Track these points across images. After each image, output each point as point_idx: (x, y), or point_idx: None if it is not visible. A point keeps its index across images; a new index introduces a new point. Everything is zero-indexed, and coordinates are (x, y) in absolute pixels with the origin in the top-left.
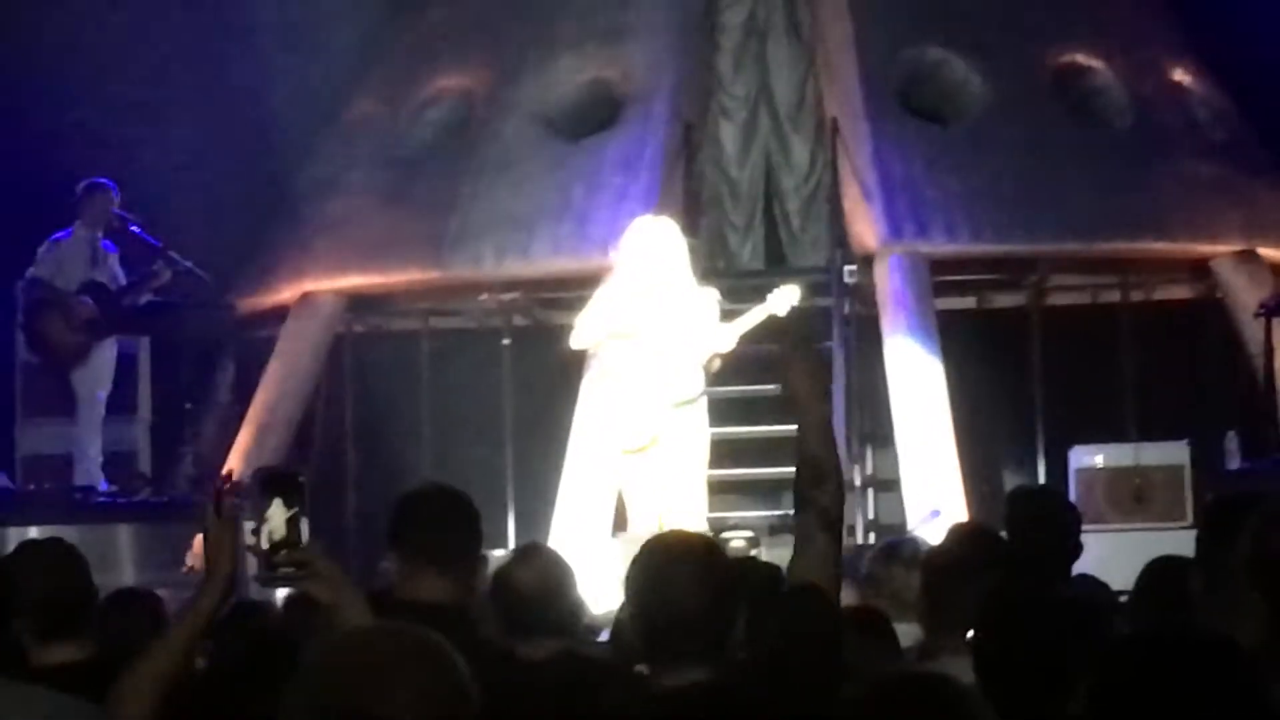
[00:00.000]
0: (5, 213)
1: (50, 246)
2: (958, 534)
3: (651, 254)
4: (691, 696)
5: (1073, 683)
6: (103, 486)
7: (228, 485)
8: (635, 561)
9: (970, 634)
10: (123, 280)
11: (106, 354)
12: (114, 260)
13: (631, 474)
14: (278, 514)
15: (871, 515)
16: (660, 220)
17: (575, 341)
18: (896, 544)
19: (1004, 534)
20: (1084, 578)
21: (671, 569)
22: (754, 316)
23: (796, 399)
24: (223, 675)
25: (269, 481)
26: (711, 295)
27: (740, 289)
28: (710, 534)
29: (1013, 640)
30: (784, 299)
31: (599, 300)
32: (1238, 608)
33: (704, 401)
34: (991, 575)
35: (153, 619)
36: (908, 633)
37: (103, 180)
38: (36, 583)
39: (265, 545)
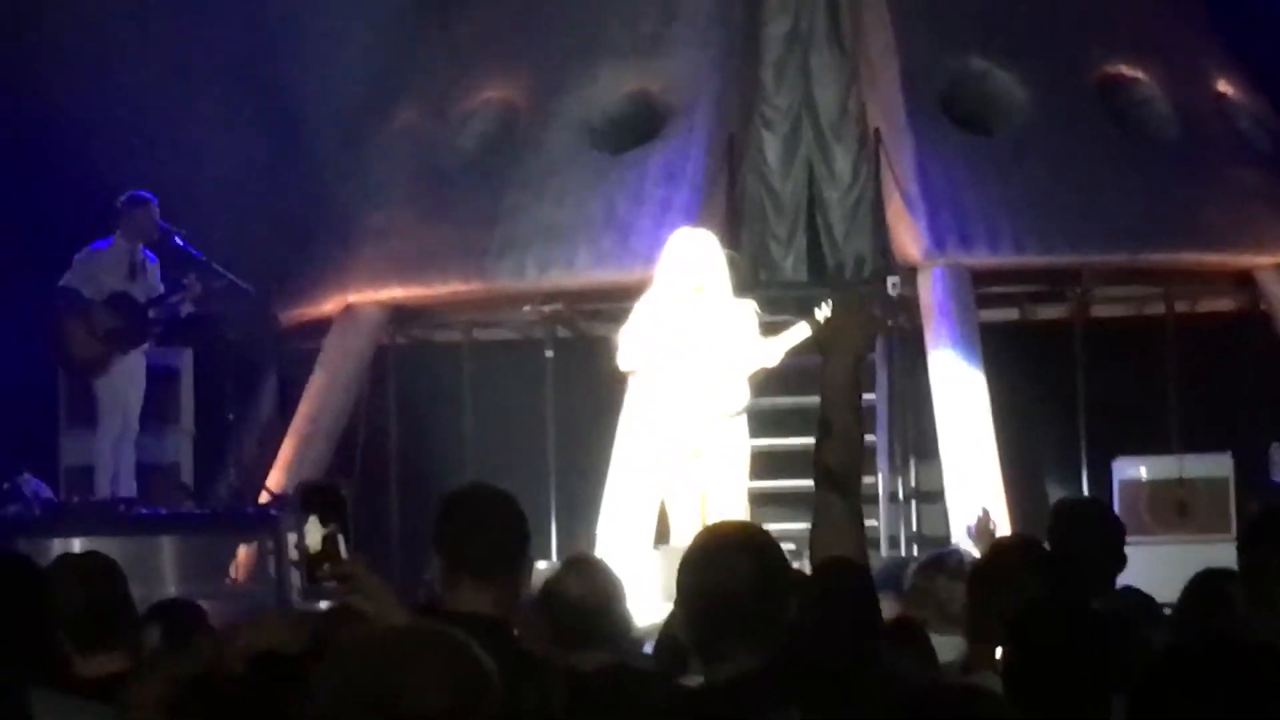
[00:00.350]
0: (50, 221)
1: (87, 255)
2: (1002, 546)
3: (690, 265)
4: (741, 688)
5: (1103, 695)
6: (120, 494)
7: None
8: (688, 550)
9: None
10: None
11: (131, 365)
12: (154, 272)
13: (674, 486)
14: (314, 530)
15: (915, 527)
16: (699, 232)
17: (622, 363)
18: (941, 555)
19: (1047, 545)
20: (1128, 590)
21: (724, 556)
22: (799, 332)
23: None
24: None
25: (309, 496)
26: (749, 307)
27: (783, 301)
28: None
29: (1037, 653)
30: (799, 334)
31: (639, 314)
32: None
33: (745, 414)
34: (1035, 587)
35: (195, 630)
36: (951, 645)
37: (143, 193)
38: (75, 595)
39: (304, 559)
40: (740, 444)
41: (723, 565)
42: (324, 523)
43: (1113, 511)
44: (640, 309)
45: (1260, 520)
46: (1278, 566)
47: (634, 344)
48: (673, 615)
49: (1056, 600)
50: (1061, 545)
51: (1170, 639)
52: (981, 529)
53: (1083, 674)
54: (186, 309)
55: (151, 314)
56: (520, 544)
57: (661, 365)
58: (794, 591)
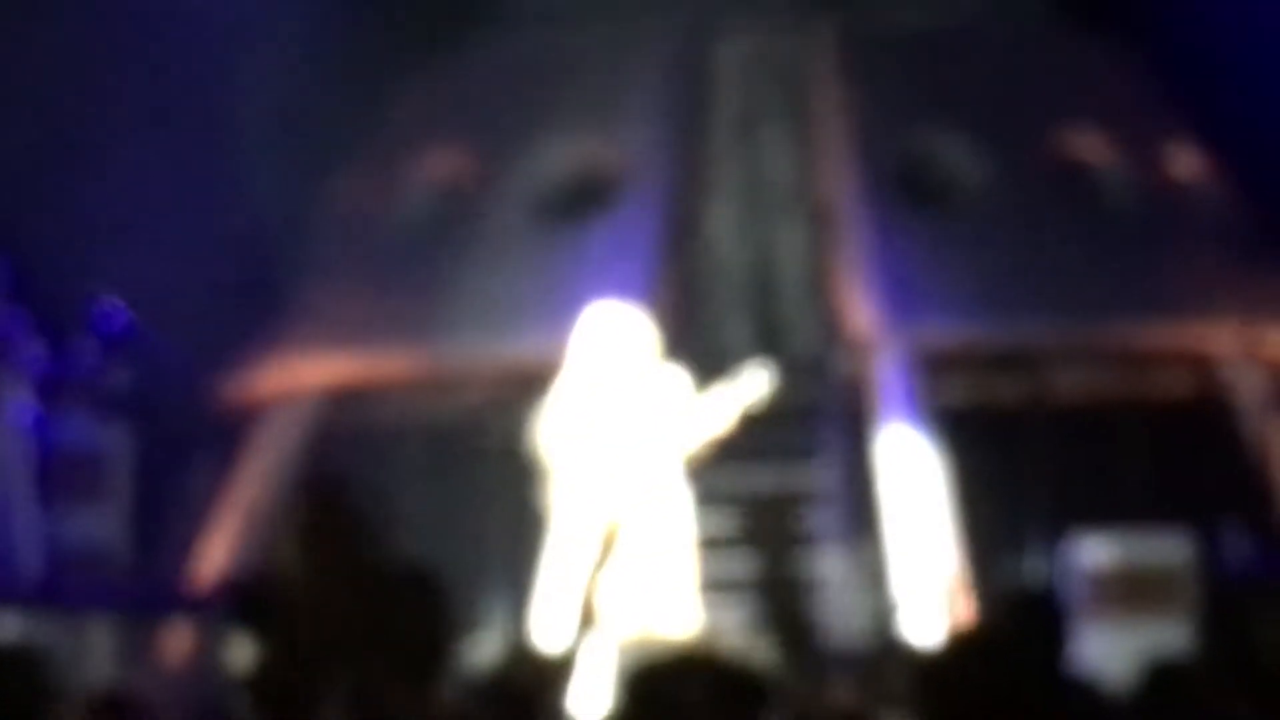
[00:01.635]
0: None
1: None
2: (954, 636)
3: (609, 342)
4: None
5: None
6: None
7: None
8: (632, 687)
9: None
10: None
11: None
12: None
13: (613, 575)
14: (243, 647)
15: (862, 613)
16: (615, 305)
17: (541, 448)
18: (889, 643)
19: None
20: (1082, 677)
21: (673, 695)
22: (720, 409)
23: None
24: None
25: (240, 603)
26: (679, 373)
27: (732, 376)
28: (698, 638)
29: None
30: (755, 383)
31: (561, 396)
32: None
33: (687, 495)
34: (986, 678)
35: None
36: None
37: None
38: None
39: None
40: (687, 526)
41: (682, 698)
42: (259, 631)
43: (1056, 600)
44: (561, 390)
45: (1215, 604)
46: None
47: (557, 428)
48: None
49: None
50: (1009, 636)
51: None
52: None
53: None
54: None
55: None
56: None
57: (589, 448)
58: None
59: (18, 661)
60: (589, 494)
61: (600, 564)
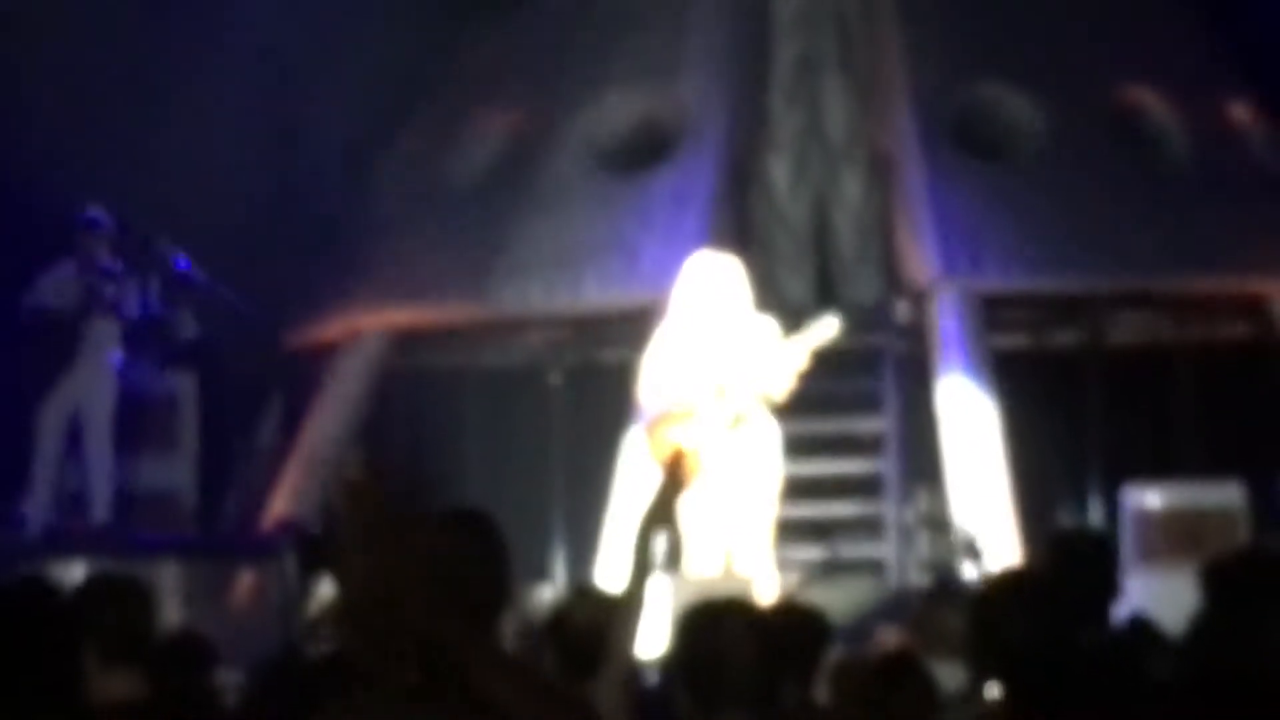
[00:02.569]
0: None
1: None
2: (1001, 577)
3: (710, 291)
4: None
5: None
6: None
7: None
8: (685, 619)
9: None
10: (134, 308)
11: (80, 384)
12: (114, 289)
13: (692, 512)
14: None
15: (924, 556)
16: (717, 255)
17: (643, 394)
18: (945, 585)
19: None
20: (1132, 620)
21: (717, 637)
22: (826, 328)
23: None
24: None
25: (307, 552)
26: (771, 325)
27: (790, 325)
28: (768, 580)
29: (1031, 691)
30: (824, 330)
31: (660, 345)
32: None
33: (775, 437)
34: (1035, 619)
35: (201, 664)
36: (954, 674)
37: (91, 215)
38: (105, 610)
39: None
40: (770, 468)
41: (723, 641)
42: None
43: (1107, 541)
44: (662, 336)
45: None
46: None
47: (658, 374)
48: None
49: (1050, 638)
50: (1057, 577)
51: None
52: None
53: (1074, 710)
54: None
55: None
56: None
57: (687, 392)
58: (800, 667)
59: (141, 590)
60: (669, 434)
61: (669, 505)
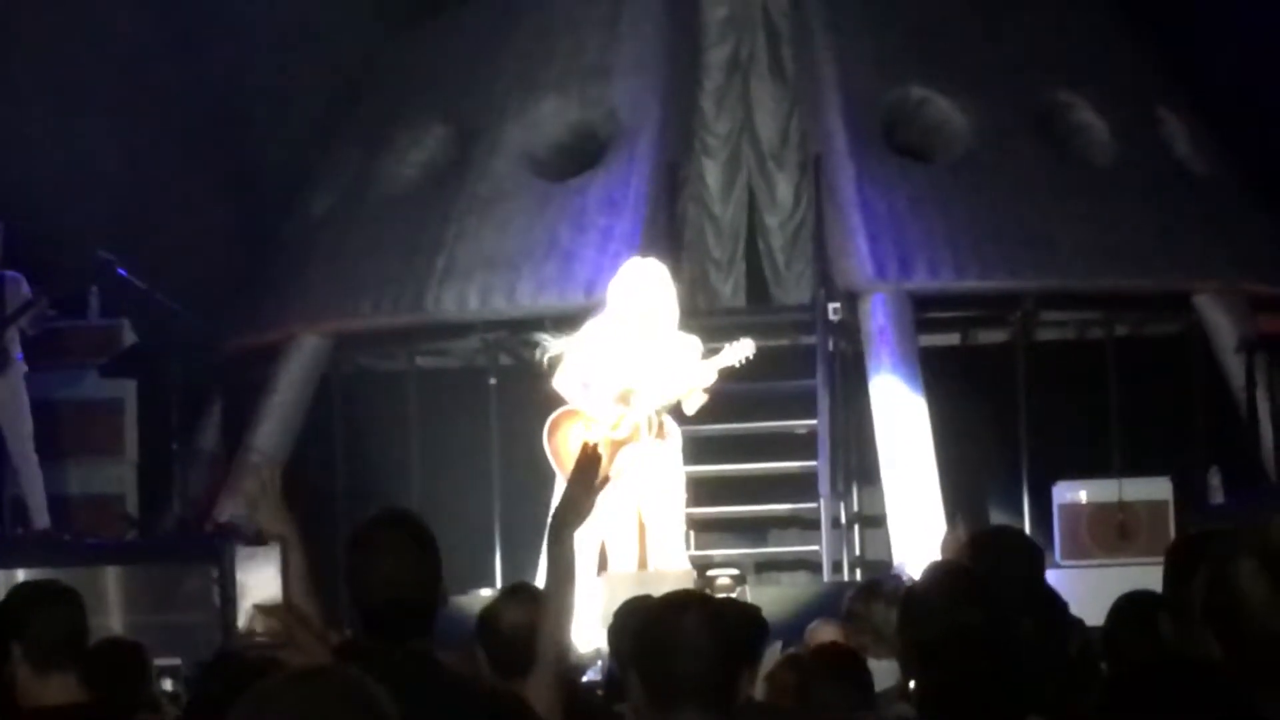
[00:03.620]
0: None
1: None
2: (933, 571)
3: (637, 300)
4: None
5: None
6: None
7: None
8: (635, 625)
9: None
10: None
11: None
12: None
13: (610, 515)
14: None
15: (858, 552)
16: (651, 263)
17: (558, 383)
18: (879, 581)
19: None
20: (1054, 616)
21: (678, 631)
22: (737, 351)
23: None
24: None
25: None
26: (694, 344)
27: (723, 326)
28: (695, 572)
29: (948, 680)
30: (738, 351)
31: (585, 337)
32: (1198, 644)
33: (677, 441)
34: (965, 614)
35: (137, 668)
36: (889, 670)
37: None
38: (40, 617)
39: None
40: (675, 471)
41: (685, 635)
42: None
43: (1030, 539)
44: (587, 332)
45: (1180, 546)
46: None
47: (574, 367)
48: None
49: (969, 627)
50: (984, 573)
51: (1099, 662)
52: (947, 545)
53: (992, 699)
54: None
55: None
56: None
57: (599, 392)
58: (750, 662)
59: (72, 594)
60: (595, 437)
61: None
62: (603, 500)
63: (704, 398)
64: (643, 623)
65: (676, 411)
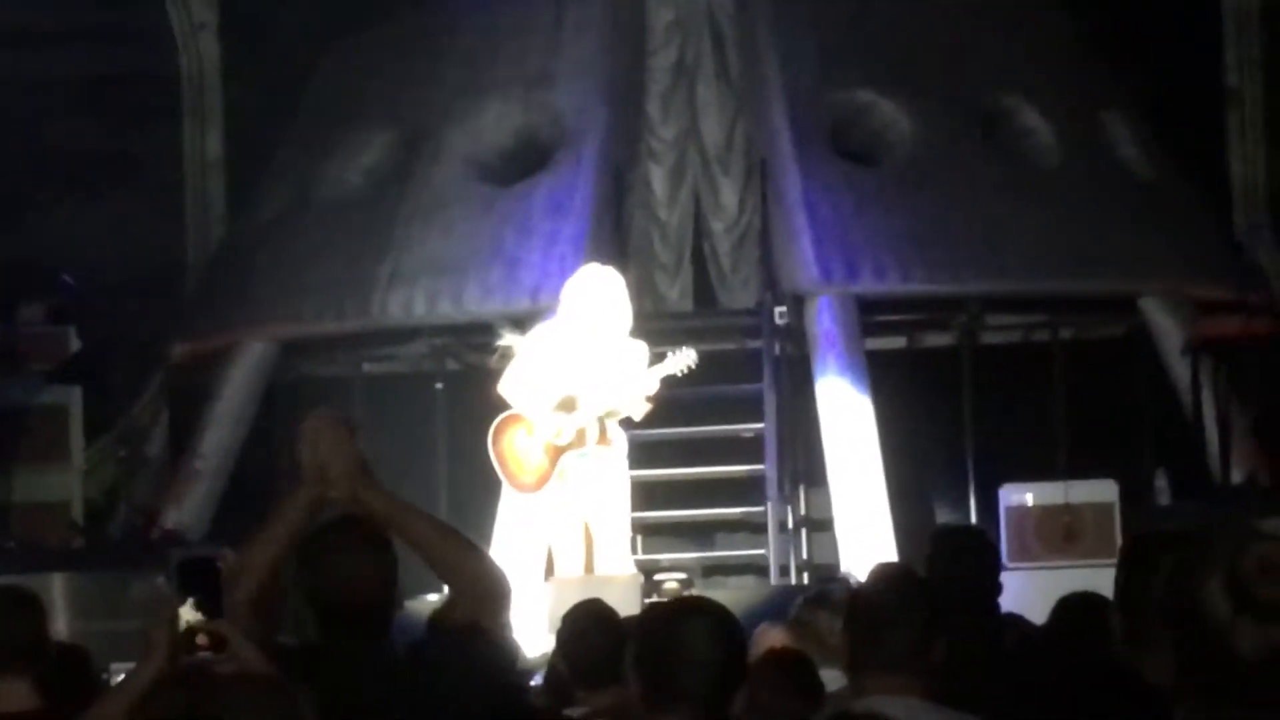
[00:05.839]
0: None
1: None
2: (879, 576)
3: (587, 306)
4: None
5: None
6: None
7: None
8: (640, 626)
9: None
10: None
11: None
12: None
13: (556, 521)
14: (188, 613)
15: (805, 556)
16: (605, 270)
17: (504, 388)
18: (825, 590)
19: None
20: (1010, 616)
21: (691, 640)
22: (680, 360)
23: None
24: None
25: (186, 576)
26: (641, 350)
27: (669, 331)
28: (642, 576)
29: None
30: (681, 360)
31: (533, 343)
32: (1152, 645)
33: (622, 447)
34: (913, 618)
35: (82, 675)
36: (835, 678)
37: None
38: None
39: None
40: (620, 476)
41: (690, 637)
42: (198, 606)
43: (988, 537)
44: (535, 336)
45: (1132, 546)
46: (1149, 593)
47: (517, 380)
48: (559, 649)
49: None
50: (938, 573)
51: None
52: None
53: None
54: None
55: None
56: None
57: (546, 397)
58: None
59: (31, 599)
60: (539, 443)
61: (545, 513)
62: (548, 505)
63: (648, 405)
64: (650, 625)
65: (623, 418)
